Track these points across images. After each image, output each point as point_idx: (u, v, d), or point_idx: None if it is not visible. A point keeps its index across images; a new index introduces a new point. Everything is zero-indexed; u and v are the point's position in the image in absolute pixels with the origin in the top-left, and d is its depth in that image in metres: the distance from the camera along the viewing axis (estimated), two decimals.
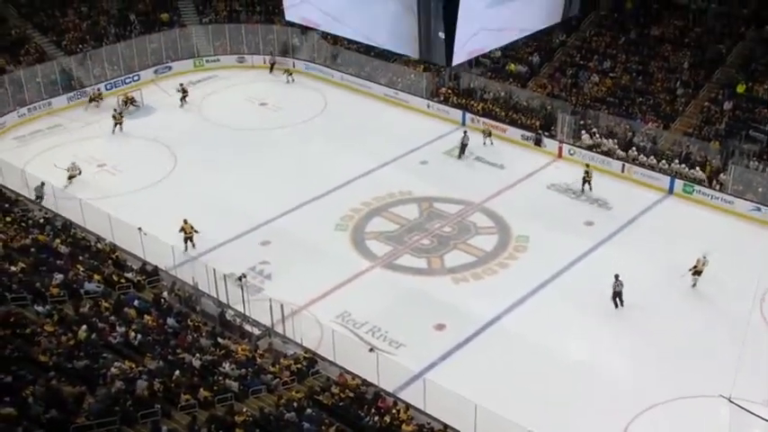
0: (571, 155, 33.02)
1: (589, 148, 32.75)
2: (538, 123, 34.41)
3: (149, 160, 32.90)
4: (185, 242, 26.54)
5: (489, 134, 34.25)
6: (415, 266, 26.18)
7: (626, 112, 34.09)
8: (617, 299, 23.95)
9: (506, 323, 23.51)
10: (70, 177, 30.54)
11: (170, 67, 41.23)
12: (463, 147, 33.20)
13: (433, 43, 11.16)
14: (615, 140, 32.59)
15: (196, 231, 26.63)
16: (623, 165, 31.67)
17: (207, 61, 42.25)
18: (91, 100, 37.44)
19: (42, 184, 28.44)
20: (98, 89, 38.00)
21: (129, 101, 37.56)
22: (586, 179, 30.33)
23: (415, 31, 11.31)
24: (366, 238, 27.58)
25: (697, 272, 24.76)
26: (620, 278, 23.92)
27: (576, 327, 23.28)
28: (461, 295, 24.66)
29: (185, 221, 26.68)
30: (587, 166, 30.87)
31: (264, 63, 42.01)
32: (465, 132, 33.63)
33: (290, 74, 40.69)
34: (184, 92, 37.87)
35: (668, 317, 23.75)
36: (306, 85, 40.35)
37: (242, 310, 22.71)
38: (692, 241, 27.21)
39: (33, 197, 28.33)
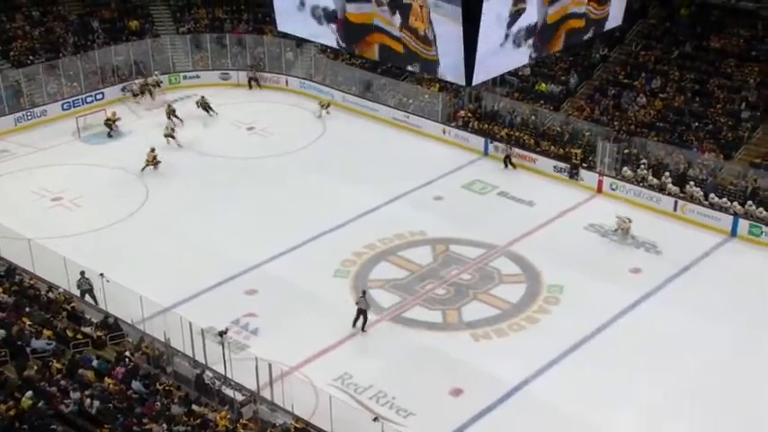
0: (613, 190, 33.52)
1: (635, 181, 33.26)
2: (574, 153, 34.98)
3: (115, 193, 33.53)
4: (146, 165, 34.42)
5: (327, 105, 39.51)
6: (427, 320, 26.49)
7: (679, 139, 34.60)
8: (361, 318, 25.63)
9: (535, 389, 23.69)
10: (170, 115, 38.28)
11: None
12: (507, 158, 35.43)
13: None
14: (666, 173, 33.08)
15: (157, 161, 34.47)
16: (676, 202, 32.11)
17: (185, 77, 43.17)
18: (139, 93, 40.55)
19: (82, 273, 26.31)
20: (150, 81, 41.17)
21: (112, 121, 38.47)
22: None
23: None
24: (371, 286, 27.91)
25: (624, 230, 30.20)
26: (367, 294, 25.74)
27: (620, 395, 23.44)
28: (482, 355, 24.89)
29: (153, 149, 34.68)
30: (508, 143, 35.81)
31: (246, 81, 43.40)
32: (507, 143, 35.73)
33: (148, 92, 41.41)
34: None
35: (736, 386, 23.79)
36: (301, 107, 41.12)
37: (222, 372, 22.97)
38: (762, 292, 27.51)
39: (79, 293, 26.37)
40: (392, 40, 12.57)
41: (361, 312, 25.70)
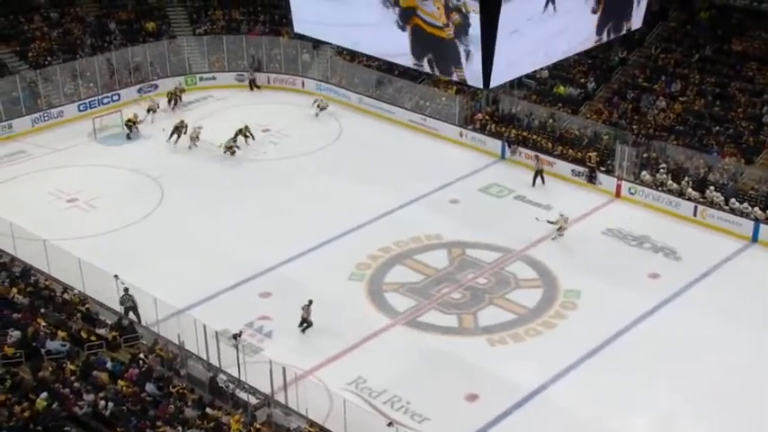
0: (632, 194, 33.35)
1: (654, 186, 33.07)
2: (591, 156, 34.84)
3: (130, 195, 33.63)
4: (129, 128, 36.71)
5: (324, 107, 39.59)
6: (443, 324, 26.45)
7: (699, 143, 34.41)
8: (304, 325, 25.55)
9: (552, 395, 23.62)
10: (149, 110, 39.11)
11: (156, 86, 42.30)
12: (538, 173, 34.30)
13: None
14: (686, 178, 32.87)
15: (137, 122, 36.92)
16: (695, 207, 31.92)
17: (201, 79, 43.31)
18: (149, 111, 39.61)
19: (126, 290, 25.76)
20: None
21: (133, 122, 38.43)
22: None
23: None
24: (385, 289, 27.96)
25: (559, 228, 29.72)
26: (311, 305, 25.45)
27: (639, 401, 23.32)
28: (498, 360, 24.86)
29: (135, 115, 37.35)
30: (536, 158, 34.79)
31: (246, 81, 43.33)
32: (537, 157, 34.68)
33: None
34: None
35: (758, 392, 23.62)
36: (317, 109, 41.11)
37: (236, 375, 23.01)
38: None
39: (122, 310, 25.81)
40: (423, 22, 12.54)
41: (303, 320, 25.61)
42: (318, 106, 40.27)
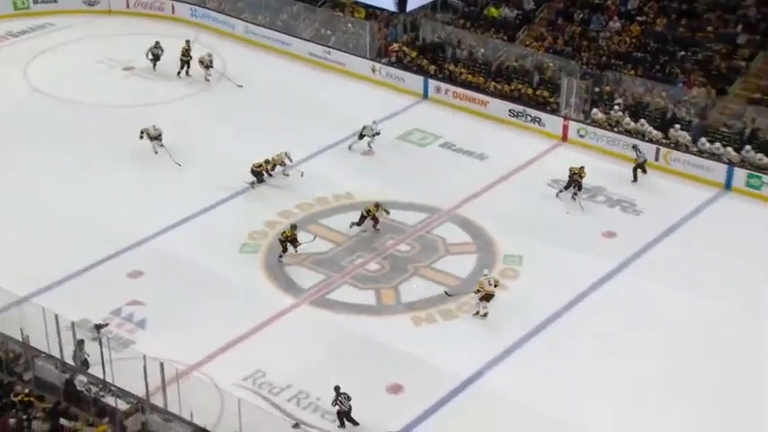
0: (581, 137, 33.96)
1: (608, 126, 33.73)
2: (532, 92, 35.29)
3: None
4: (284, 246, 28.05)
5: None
6: (358, 302, 26.67)
7: (662, 72, 35.14)
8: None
9: (490, 382, 23.99)
10: None
11: None
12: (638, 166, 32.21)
13: None
14: (646, 115, 33.58)
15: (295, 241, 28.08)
16: (657, 149, 32.66)
17: (35, 2, 42.57)
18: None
19: (81, 343, 23.58)
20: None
21: None
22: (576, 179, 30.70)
23: None
24: (287, 262, 28.06)
25: (485, 296, 25.69)
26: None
27: (592, 385, 23.89)
28: (425, 342, 25.12)
29: (294, 226, 28.49)
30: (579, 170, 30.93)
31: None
32: (636, 148, 32.25)
33: None
34: None
35: (730, 370, 24.27)
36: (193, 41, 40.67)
37: (100, 375, 22.86)
38: (761, 258, 28.24)
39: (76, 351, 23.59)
40: None
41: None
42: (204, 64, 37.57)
